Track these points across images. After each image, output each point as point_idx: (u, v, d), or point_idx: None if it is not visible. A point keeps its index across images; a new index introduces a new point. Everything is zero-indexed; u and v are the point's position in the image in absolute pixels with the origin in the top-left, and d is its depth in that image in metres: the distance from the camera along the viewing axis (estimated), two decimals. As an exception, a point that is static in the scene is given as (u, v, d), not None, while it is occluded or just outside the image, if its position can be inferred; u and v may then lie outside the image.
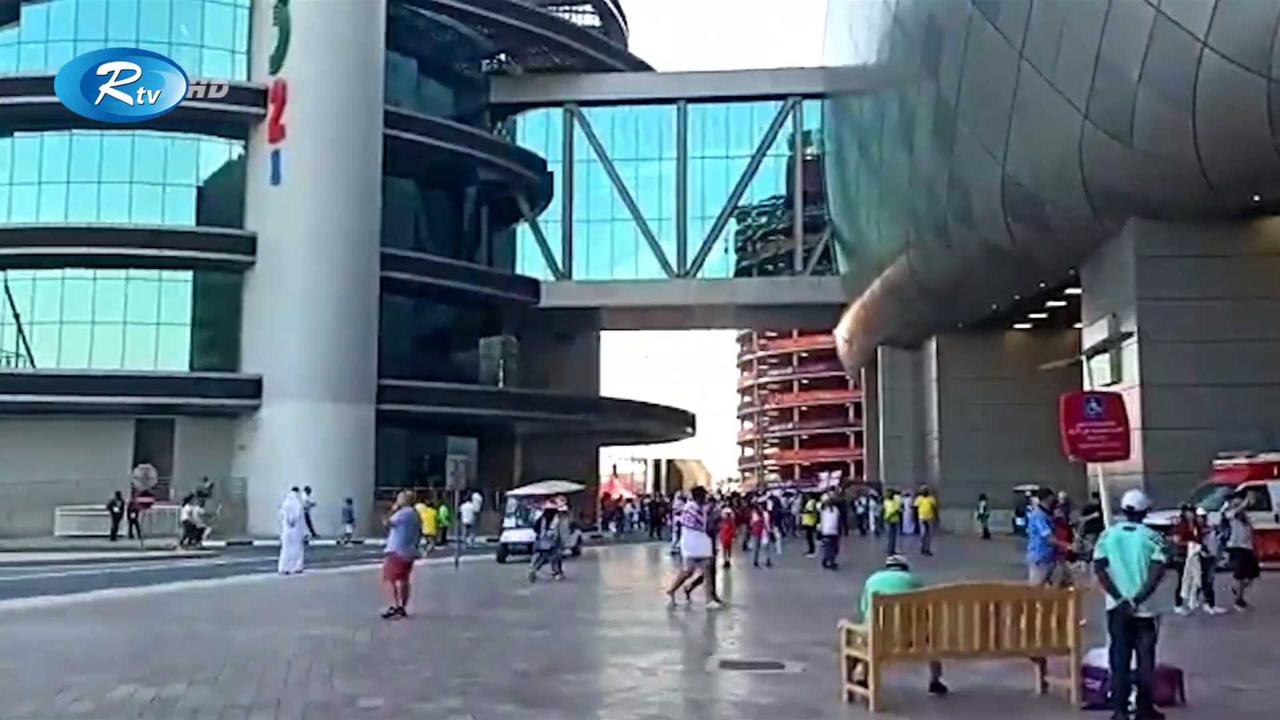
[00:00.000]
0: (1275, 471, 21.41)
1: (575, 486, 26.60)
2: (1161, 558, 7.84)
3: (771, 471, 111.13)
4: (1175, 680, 8.27)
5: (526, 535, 24.12)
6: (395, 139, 41.25)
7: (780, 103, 51.39)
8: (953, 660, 8.68)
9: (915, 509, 31.86)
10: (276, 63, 39.52)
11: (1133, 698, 7.67)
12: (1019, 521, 35.21)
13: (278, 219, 39.30)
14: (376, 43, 40.85)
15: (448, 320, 51.04)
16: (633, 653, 11.59)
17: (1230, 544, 15.65)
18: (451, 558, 24.19)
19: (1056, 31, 24.70)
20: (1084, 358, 10.13)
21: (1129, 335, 24.91)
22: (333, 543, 32.24)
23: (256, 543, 31.69)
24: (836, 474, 71.97)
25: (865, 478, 56.61)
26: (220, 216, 41.33)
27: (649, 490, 72.50)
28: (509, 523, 26.35)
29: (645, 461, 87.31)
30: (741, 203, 53.39)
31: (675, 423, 58.07)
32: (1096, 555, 8.22)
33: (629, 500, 56.23)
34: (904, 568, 9.05)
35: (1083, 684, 8.30)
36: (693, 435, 61.23)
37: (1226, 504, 16.78)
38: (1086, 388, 9.97)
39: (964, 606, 8.31)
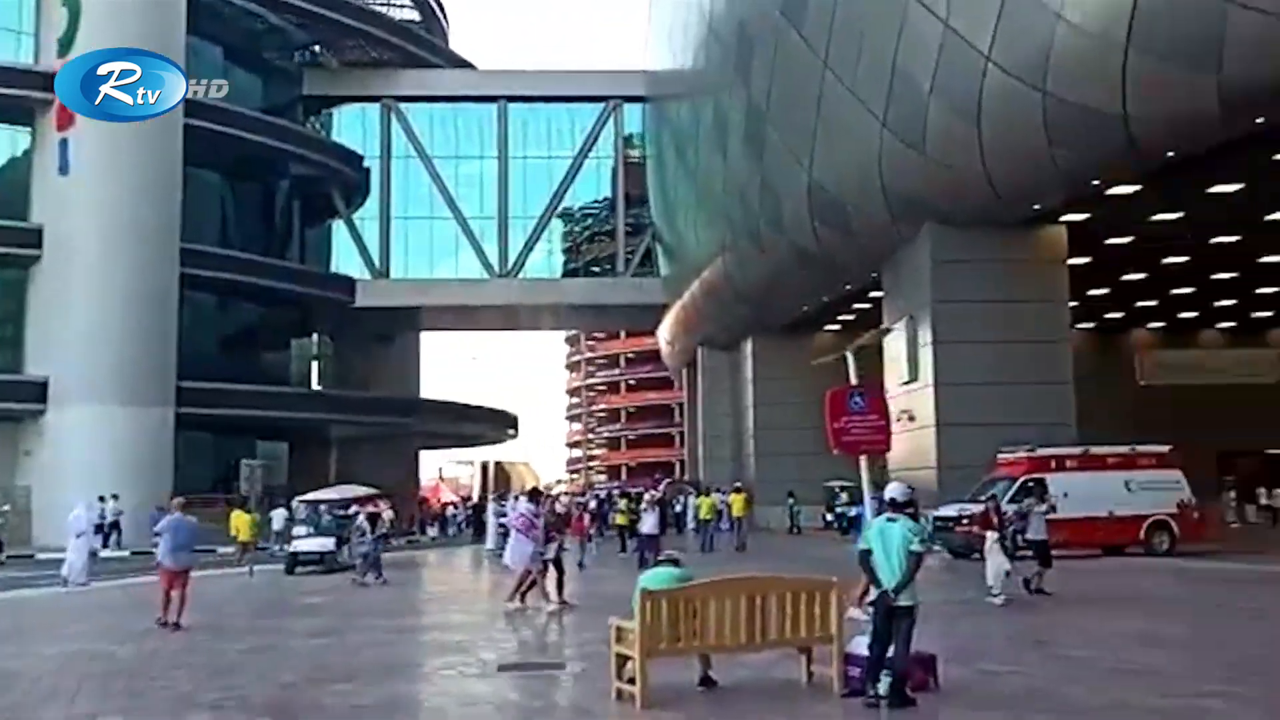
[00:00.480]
0: (1052, 465, 22.62)
1: (369, 490, 25.73)
2: (919, 548, 8.08)
3: (599, 472, 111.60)
4: (930, 666, 8.54)
5: (319, 544, 23.03)
6: (198, 129, 39.35)
7: (602, 105, 51.60)
8: (723, 653, 8.73)
9: (729, 506, 32.41)
10: (65, 45, 37.12)
11: (888, 684, 7.88)
12: (828, 517, 36.47)
13: (67, 211, 36.96)
14: (176, 27, 38.92)
15: (256, 319, 49.11)
16: (416, 659, 11.30)
17: (1029, 536, 16.24)
18: (263, 565, 23.27)
19: (857, 41, 25.51)
20: (848, 354, 10.42)
21: (888, 331, 26.00)
22: (126, 554, 30.54)
23: (40, 555, 29.68)
24: (667, 481, 72.67)
25: (686, 477, 57.39)
26: (3, 208, 38.62)
27: (476, 493, 71.66)
28: (299, 530, 24.76)
29: (473, 464, 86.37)
30: (566, 204, 53.37)
31: (498, 424, 57.54)
32: (860, 546, 8.42)
33: (452, 504, 55.42)
34: (676, 563, 9.05)
35: (845, 671, 8.47)
36: (516, 437, 60.89)
37: (1028, 499, 17.41)
38: (852, 382, 10.25)
39: (730, 600, 8.37)
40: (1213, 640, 12.08)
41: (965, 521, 22.03)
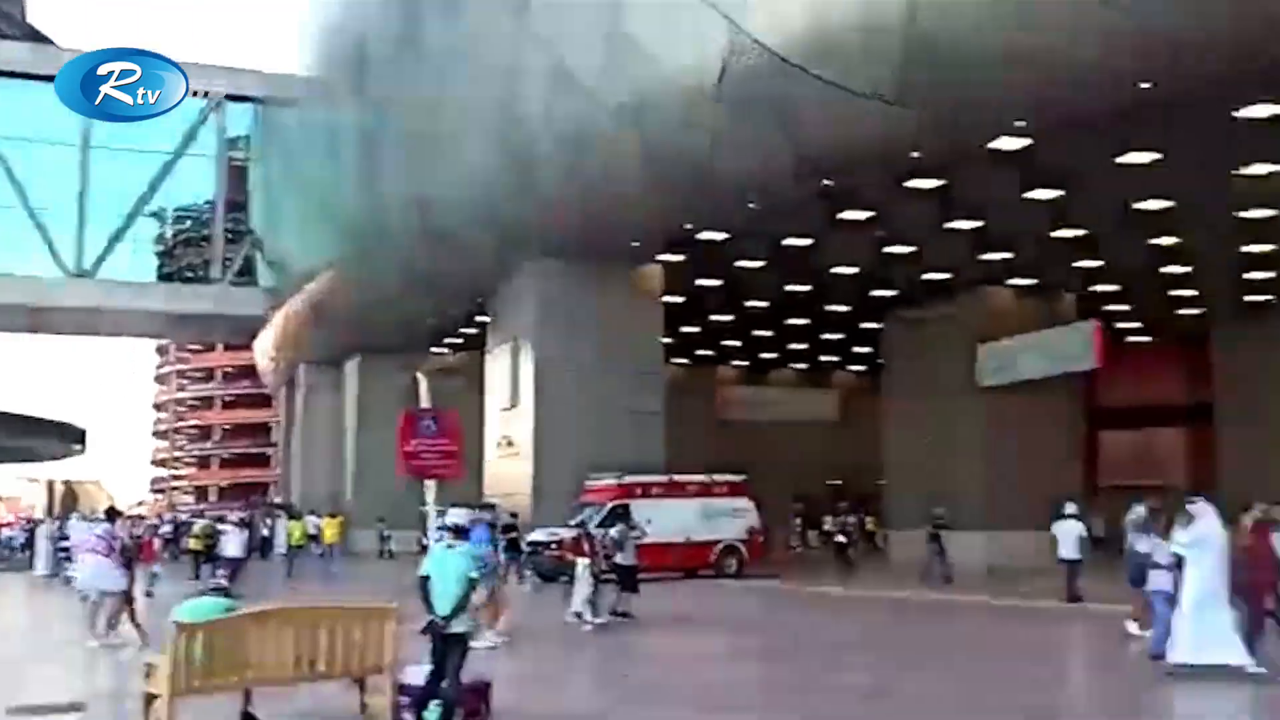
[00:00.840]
0: (638, 492, 23.61)
1: None
2: (475, 575, 7.97)
3: (185, 493, 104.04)
4: (484, 693, 8.42)
5: None
6: None
7: (205, 100, 48.23)
8: (270, 687, 8.12)
9: (322, 530, 31.13)
10: None
11: (438, 713, 7.67)
12: (424, 541, 35.90)
13: None
14: None
15: None
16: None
17: (620, 561, 16.64)
18: None
19: (472, 67, 25.55)
20: (420, 375, 10.22)
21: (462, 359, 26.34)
22: None
23: None
24: (256, 503, 69.05)
25: (280, 498, 54.65)
26: None
27: (41, 513, 64.45)
28: None
29: (39, 482, 77.96)
30: (160, 203, 49.23)
31: (61, 438, 51.90)
32: (420, 572, 8.18)
33: (8, 524, 49.41)
34: (226, 593, 8.36)
35: (397, 702, 8.16)
36: (82, 452, 55.22)
37: (619, 525, 17.84)
38: (424, 405, 10.04)
39: (278, 630, 7.82)
40: (765, 655, 12.97)
41: (554, 547, 22.46)
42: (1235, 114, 16.92)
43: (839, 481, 46.05)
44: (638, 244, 25.95)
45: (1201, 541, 10.87)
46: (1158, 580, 11.49)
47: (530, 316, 27.49)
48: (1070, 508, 19.01)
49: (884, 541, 35.31)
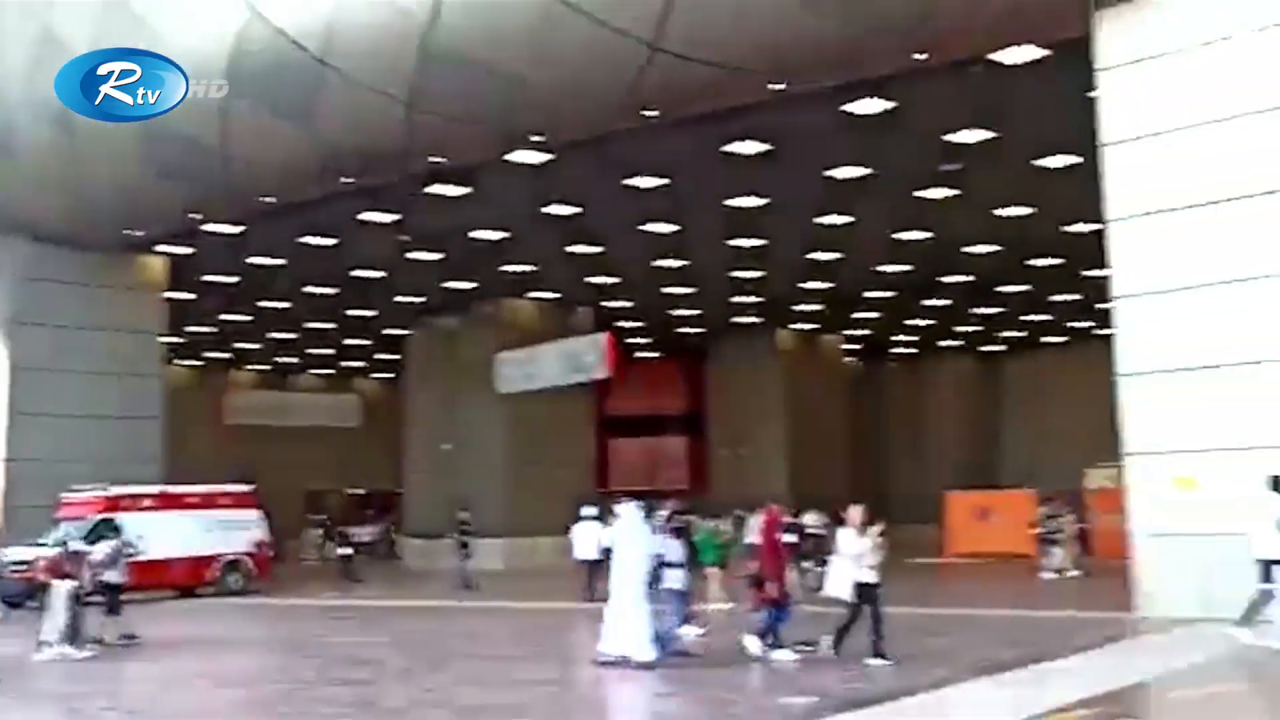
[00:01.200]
0: (128, 504, 21.53)
1: None
2: None
3: None
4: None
5: None
6: None
7: None
8: None
9: None
10: None
11: None
12: None
13: None
14: None
15: None
16: None
17: (108, 579, 15.10)
18: None
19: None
20: None
21: None
22: None
23: None
24: None
25: None
26: None
27: None
28: None
29: None
30: None
31: None
32: None
33: None
34: None
35: None
36: None
37: (108, 541, 16.11)
38: None
39: None
40: (251, 677, 12.22)
41: (24, 566, 20.00)
42: (725, 148, 18.60)
43: (362, 490, 45.27)
44: (136, 232, 23.68)
45: (625, 539, 11.90)
46: (671, 578, 12.22)
47: (5, 307, 24.19)
48: (589, 510, 19.91)
49: (402, 549, 35.10)
